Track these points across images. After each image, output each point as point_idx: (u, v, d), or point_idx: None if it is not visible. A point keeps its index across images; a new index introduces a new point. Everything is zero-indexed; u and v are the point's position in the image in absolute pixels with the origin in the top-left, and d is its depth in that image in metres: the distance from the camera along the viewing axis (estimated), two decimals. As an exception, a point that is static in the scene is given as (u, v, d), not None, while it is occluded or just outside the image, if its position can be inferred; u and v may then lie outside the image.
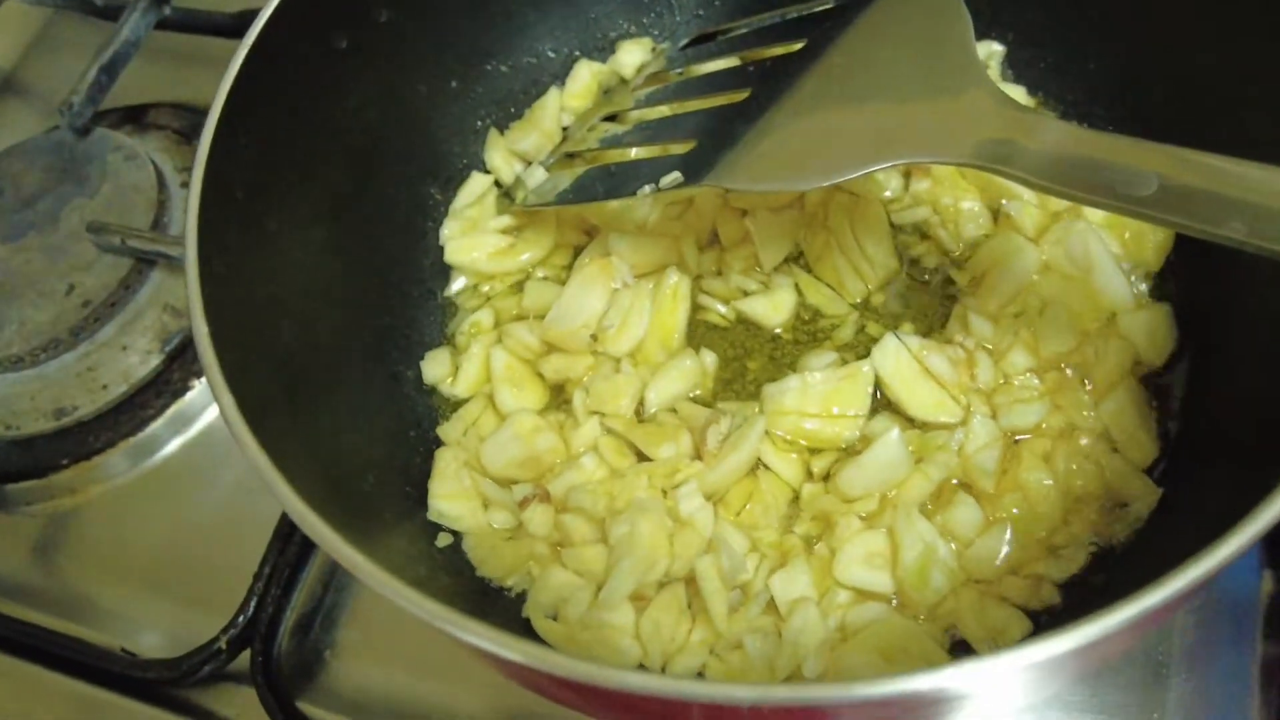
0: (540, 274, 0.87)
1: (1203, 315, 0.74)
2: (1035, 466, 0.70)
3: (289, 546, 0.84)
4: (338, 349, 0.74)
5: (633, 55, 0.93)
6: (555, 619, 0.70)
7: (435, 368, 0.83)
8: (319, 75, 0.74)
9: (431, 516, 0.75)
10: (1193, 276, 0.76)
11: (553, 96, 0.92)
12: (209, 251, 0.60)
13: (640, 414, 0.78)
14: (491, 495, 0.75)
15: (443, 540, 0.74)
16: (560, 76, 0.94)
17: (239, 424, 0.53)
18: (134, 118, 1.14)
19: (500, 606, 0.72)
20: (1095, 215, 0.77)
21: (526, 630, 0.70)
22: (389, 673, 0.82)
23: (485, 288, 0.87)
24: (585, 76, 0.92)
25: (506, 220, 0.87)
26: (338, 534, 0.50)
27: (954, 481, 0.71)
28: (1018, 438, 0.72)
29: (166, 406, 0.97)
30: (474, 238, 0.86)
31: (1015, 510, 0.69)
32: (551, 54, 0.93)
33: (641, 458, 0.75)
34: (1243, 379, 0.69)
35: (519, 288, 0.87)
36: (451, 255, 0.86)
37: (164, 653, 0.85)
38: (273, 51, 0.68)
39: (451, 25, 0.84)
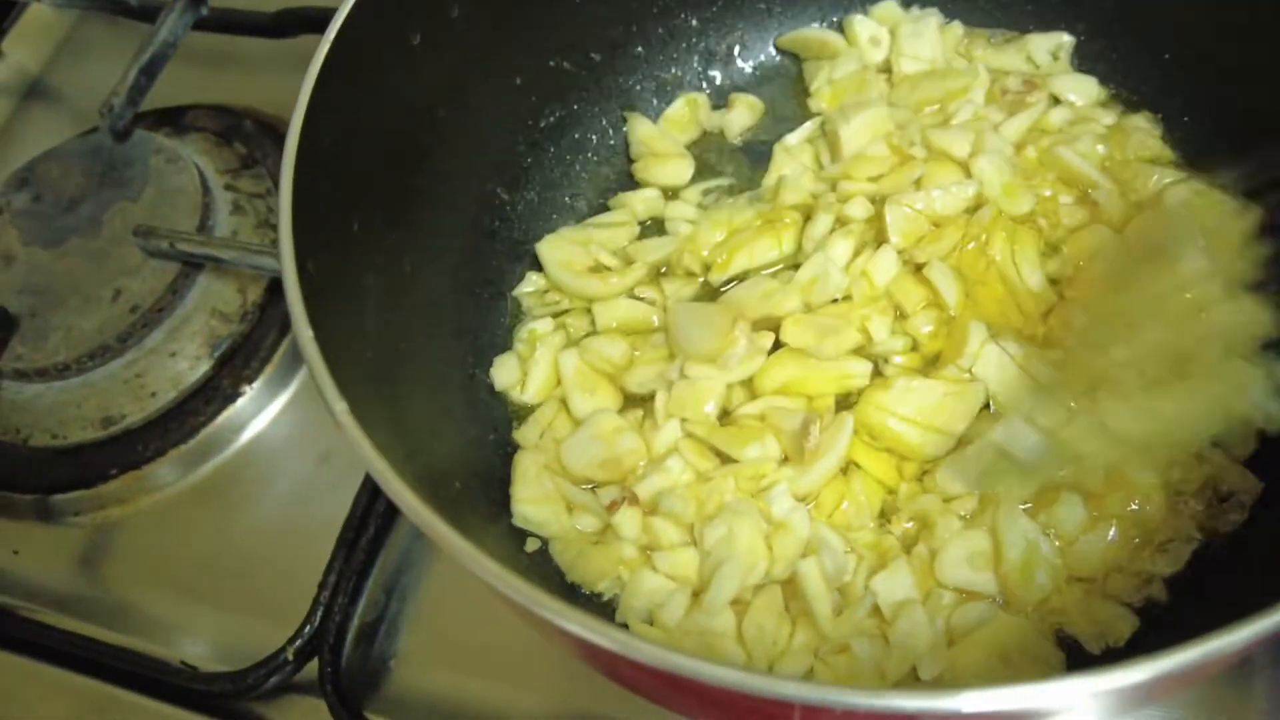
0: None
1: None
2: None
3: (354, 554, 0.83)
4: (417, 353, 0.73)
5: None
6: (650, 623, 0.69)
7: (504, 374, 0.82)
8: (394, 72, 0.73)
9: (517, 521, 0.74)
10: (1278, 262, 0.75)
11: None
12: (303, 253, 0.59)
13: (723, 417, 0.77)
14: (576, 499, 0.74)
15: (531, 545, 0.73)
16: (622, 75, 0.93)
17: (353, 428, 0.51)
18: (171, 120, 1.12)
19: (591, 611, 0.71)
20: (1178, 203, 0.77)
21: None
22: (453, 680, 0.81)
23: (554, 296, 0.87)
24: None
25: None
26: (450, 528, 0.49)
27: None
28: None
29: (217, 414, 0.95)
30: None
31: (1119, 506, 0.68)
32: (614, 51, 0.93)
33: (723, 460, 0.74)
34: None
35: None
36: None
37: (213, 664, 0.85)
38: (353, 47, 0.66)
39: (518, 22, 0.83)
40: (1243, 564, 0.66)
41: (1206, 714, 0.69)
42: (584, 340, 0.82)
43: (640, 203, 0.89)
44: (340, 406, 0.52)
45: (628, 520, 0.71)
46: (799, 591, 0.66)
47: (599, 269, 0.86)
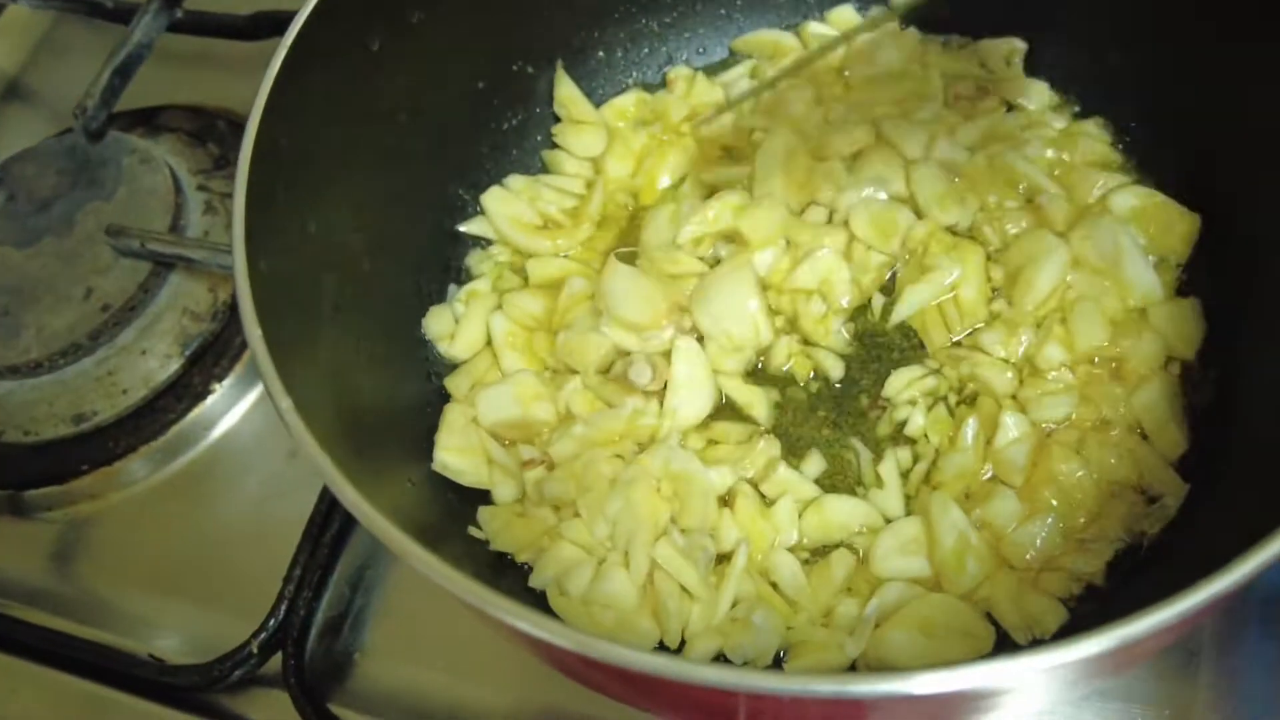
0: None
1: (1230, 308, 0.75)
2: (1067, 458, 0.71)
3: (318, 549, 0.84)
4: (376, 351, 0.74)
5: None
6: (560, 592, 0.71)
7: (436, 324, 0.84)
8: (354, 77, 0.74)
9: (435, 467, 0.76)
10: (1219, 268, 0.77)
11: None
12: (255, 253, 0.60)
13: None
14: (497, 458, 0.76)
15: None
16: (584, 79, 0.94)
17: (299, 425, 0.53)
18: (145, 120, 1.13)
19: (517, 577, 0.73)
20: (1122, 208, 0.78)
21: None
22: (418, 673, 0.82)
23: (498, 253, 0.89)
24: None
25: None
26: (413, 540, 0.50)
27: (987, 475, 0.72)
28: (1048, 428, 0.73)
29: (187, 411, 0.97)
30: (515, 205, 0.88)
31: (1053, 502, 0.70)
32: (576, 56, 0.94)
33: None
34: (1269, 372, 0.70)
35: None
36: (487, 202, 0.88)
37: (183, 658, 0.85)
38: (310, 52, 0.68)
39: (480, 26, 0.84)
40: (1171, 565, 0.67)
41: (1152, 706, 0.71)
42: (507, 295, 0.85)
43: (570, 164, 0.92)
44: (285, 404, 0.53)
45: (534, 480, 0.74)
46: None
47: (548, 225, 0.88)
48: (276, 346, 0.57)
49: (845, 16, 0.93)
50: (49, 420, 0.96)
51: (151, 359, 0.97)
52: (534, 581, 0.72)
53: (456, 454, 0.76)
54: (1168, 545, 0.69)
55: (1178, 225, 0.77)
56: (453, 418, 0.78)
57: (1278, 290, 0.71)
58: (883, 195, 0.82)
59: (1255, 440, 0.68)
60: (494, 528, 0.75)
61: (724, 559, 0.72)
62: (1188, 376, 0.75)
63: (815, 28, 0.93)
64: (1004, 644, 0.68)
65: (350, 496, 0.51)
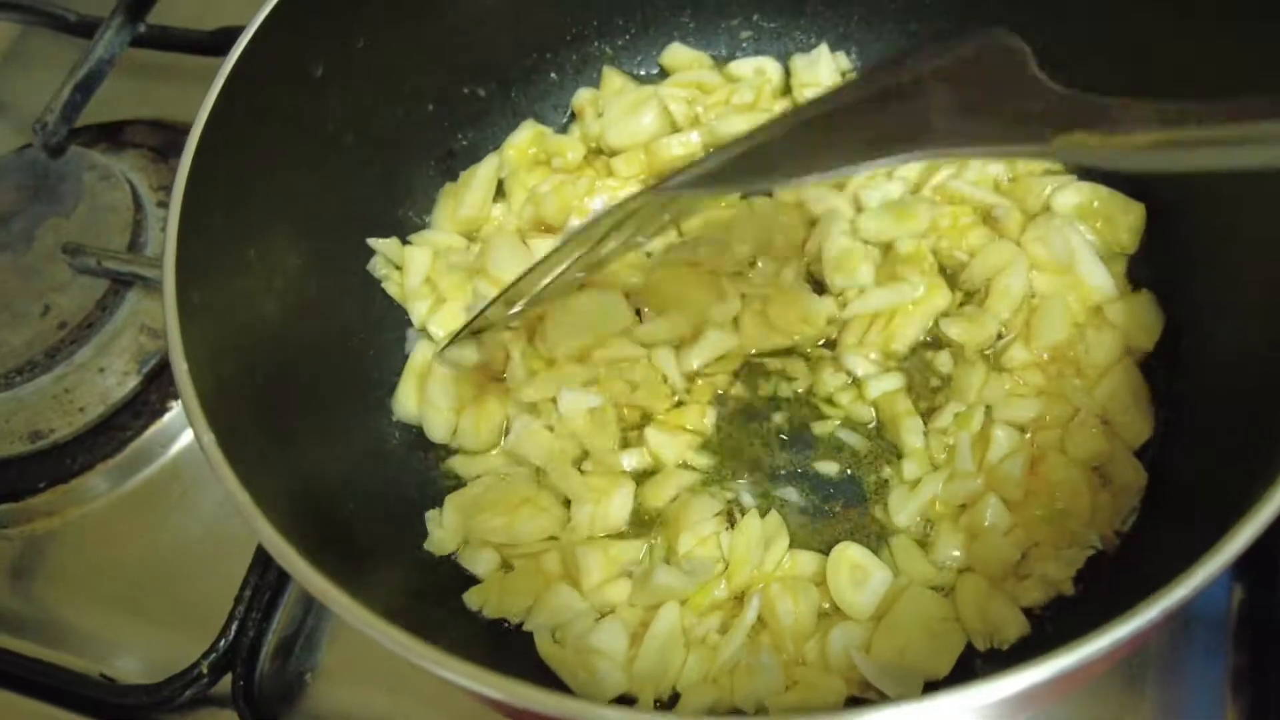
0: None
1: (1180, 298, 0.75)
2: (1057, 461, 0.71)
3: (269, 570, 0.84)
4: (316, 377, 0.74)
5: None
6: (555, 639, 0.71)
7: (403, 407, 0.83)
8: (296, 101, 0.74)
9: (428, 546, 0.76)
10: (1167, 258, 0.77)
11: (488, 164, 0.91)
12: (188, 282, 0.60)
13: None
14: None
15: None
16: (537, 101, 0.94)
17: (220, 461, 0.53)
18: (109, 135, 1.13)
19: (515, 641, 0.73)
20: (1066, 206, 0.79)
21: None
22: (369, 695, 0.82)
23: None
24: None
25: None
26: (318, 571, 0.50)
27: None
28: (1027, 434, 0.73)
29: (145, 428, 0.97)
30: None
31: (1043, 507, 0.70)
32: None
33: None
34: (1224, 356, 0.70)
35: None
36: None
37: (141, 677, 0.85)
38: (250, 77, 0.68)
39: (428, 50, 0.84)
40: (1137, 567, 0.67)
41: (1097, 720, 0.71)
42: (443, 352, 0.82)
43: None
44: (208, 438, 0.53)
45: None
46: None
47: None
48: (206, 378, 0.57)
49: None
50: (5, 437, 0.96)
51: (109, 376, 0.97)
52: (529, 626, 0.72)
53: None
54: (1135, 548, 0.69)
55: (1123, 217, 0.78)
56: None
57: (1224, 275, 0.71)
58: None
59: (1209, 425, 0.68)
60: (481, 602, 0.74)
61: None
62: (1149, 364, 0.75)
63: (736, 66, 0.93)
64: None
65: (268, 534, 0.51)
